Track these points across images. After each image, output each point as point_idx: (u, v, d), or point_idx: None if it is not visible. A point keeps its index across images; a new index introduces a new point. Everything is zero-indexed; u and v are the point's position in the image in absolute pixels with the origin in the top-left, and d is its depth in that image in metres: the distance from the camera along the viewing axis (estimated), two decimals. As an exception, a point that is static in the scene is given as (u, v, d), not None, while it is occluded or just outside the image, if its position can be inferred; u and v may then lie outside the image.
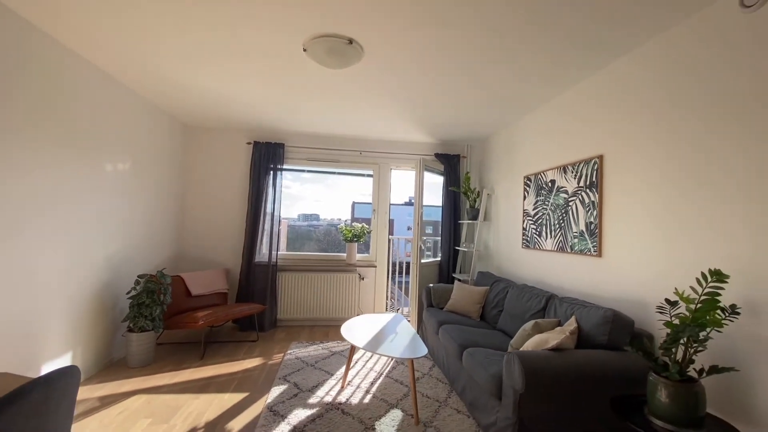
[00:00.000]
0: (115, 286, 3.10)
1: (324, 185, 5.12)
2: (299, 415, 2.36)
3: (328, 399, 2.58)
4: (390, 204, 4.81)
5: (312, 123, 4.06)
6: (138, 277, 3.16)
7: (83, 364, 2.75)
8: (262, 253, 4.28)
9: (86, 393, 2.56)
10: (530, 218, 3.35)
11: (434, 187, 4.74)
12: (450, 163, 4.56)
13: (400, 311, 5.05)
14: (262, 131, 4.43)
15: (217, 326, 4.10)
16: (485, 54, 2.37)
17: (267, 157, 4.33)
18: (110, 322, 3.07)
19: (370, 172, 4.76)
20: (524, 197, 3.46)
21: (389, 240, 4.81)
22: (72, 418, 1.04)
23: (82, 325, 2.73)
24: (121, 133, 3.11)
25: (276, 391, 2.67)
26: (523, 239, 3.46)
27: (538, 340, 2.10)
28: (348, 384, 2.83)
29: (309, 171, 4.78)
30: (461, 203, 4.64)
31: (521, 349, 2.16)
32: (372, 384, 2.84)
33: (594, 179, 2.54)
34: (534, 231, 3.27)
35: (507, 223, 3.83)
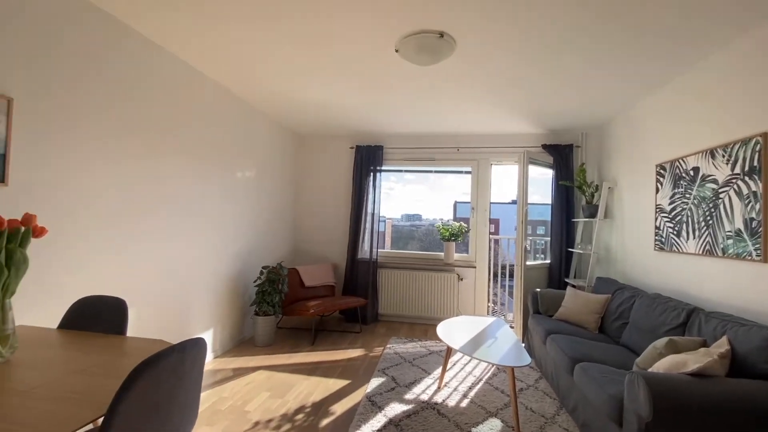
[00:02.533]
0: (244, 275, 3.65)
1: (425, 185, 5.12)
2: (395, 408, 2.40)
3: (424, 397, 2.57)
4: (490, 202, 4.57)
5: (408, 123, 4.12)
6: (262, 268, 3.66)
7: (221, 340, 3.31)
8: (364, 250, 4.52)
9: (223, 364, 3.07)
10: (665, 215, 2.78)
11: (542, 182, 4.34)
12: (561, 155, 4.10)
13: (505, 317, 4.75)
14: (363, 135, 4.67)
15: (325, 315, 4.47)
16: (606, 22, 2.06)
17: (368, 160, 4.55)
18: (241, 306, 3.62)
19: (469, 169, 4.60)
20: (657, 190, 2.89)
21: (491, 240, 4.57)
22: (201, 380, 1.26)
23: (220, 307, 3.28)
24: (247, 146, 3.65)
25: (375, 383, 2.78)
26: (655, 240, 2.89)
27: (672, 362, 1.73)
28: (445, 385, 2.77)
29: (406, 171, 4.86)
30: (575, 199, 4.13)
31: (650, 369, 1.81)
32: (470, 389, 2.73)
33: (755, 164, 1.98)
34: (671, 230, 2.71)
35: (634, 221, 3.26)
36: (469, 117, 3.79)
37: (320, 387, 2.71)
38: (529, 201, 3.85)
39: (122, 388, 0.93)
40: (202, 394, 2.50)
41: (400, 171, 4.88)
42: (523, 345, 2.56)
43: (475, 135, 4.45)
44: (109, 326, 1.62)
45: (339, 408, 2.42)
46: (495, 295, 4.95)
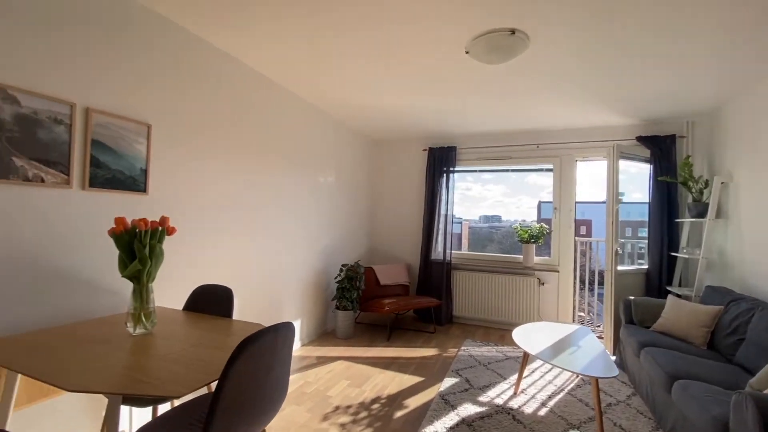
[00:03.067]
0: (326, 271, 3.95)
1: (505, 185, 4.92)
2: (468, 409, 2.41)
3: (499, 401, 2.52)
4: (576, 201, 4.25)
5: (481, 122, 4.05)
6: (342, 265, 3.92)
7: (307, 329, 3.64)
8: (437, 251, 4.54)
9: (308, 352, 3.37)
10: (801, 213, 2.32)
11: (640, 179, 3.90)
12: (660, 147, 3.64)
13: (593, 328, 4.37)
14: (436, 137, 4.71)
15: (400, 314, 4.60)
16: None
17: (440, 161, 4.58)
18: (324, 299, 3.93)
19: (550, 167, 4.34)
20: (788, 183, 2.42)
21: (577, 242, 4.24)
22: (290, 358, 1.44)
23: (306, 300, 3.61)
24: (328, 153, 3.95)
25: (448, 382, 2.80)
26: (787, 243, 2.42)
27: (803, 387, 1.46)
28: (521, 392, 2.68)
29: (480, 171, 4.77)
30: (679, 197, 3.63)
31: (766, 391, 1.55)
32: (549, 398, 2.60)
33: None
34: (808, 231, 2.25)
35: (756, 222, 2.76)
36: (549, 111, 3.59)
37: (395, 381, 2.82)
38: (627, 200, 3.50)
39: (230, 359, 1.14)
40: (291, 377, 2.80)
41: (474, 171, 4.80)
42: (614, 358, 2.36)
43: (556, 130, 4.19)
44: (220, 310, 1.94)
45: (412, 402, 2.50)
46: (589, 305, 4.57)
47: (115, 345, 1.42)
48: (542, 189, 4.40)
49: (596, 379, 2.04)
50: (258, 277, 2.96)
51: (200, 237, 2.42)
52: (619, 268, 3.51)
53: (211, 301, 1.98)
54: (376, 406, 2.44)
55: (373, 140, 5.04)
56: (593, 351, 2.37)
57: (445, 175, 4.55)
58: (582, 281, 4.43)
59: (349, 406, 2.42)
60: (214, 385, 1.32)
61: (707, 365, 2.16)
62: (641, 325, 3.01)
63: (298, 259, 3.47)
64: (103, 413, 1.80)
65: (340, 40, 2.35)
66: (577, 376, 2.94)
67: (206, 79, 2.44)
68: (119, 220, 1.52)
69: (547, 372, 3.05)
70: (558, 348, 2.42)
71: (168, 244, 2.13)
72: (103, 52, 1.86)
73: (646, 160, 3.74)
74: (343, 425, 2.21)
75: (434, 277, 4.51)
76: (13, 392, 1.40)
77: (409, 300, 4.02)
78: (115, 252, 1.61)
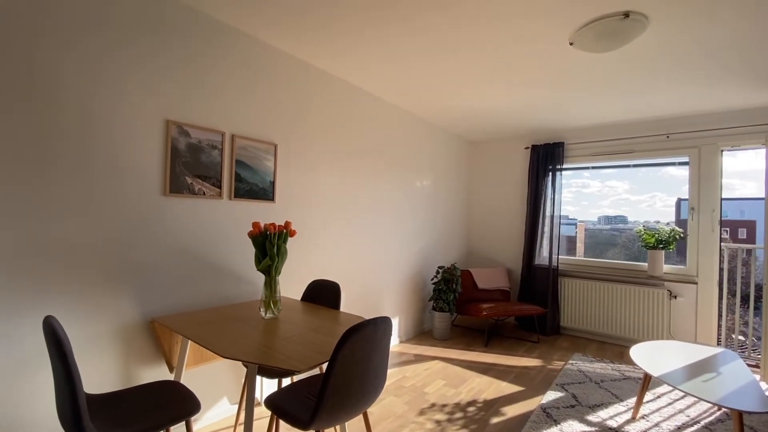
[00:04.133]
0: (423, 272, 4.08)
1: (632, 180, 4.36)
2: (574, 426, 2.24)
3: (612, 424, 2.28)
4: (722, 198, 3.53)
5: (593, 115, 3.67)
6: (438, 267, 4.00)
7: (405, 327, 3.81)
8: (542, 256, 4.26)
9: (406, 349, 3.54)
10: None
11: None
12: None
13: (748, 353, 3.56)
14: (539, 134, 4.43)
15: (500, 320, 4.45)
16: None
17: (545, 159, 4.29)
18: (421, 300, 4.06)
19: (685, 159, 3.69)
20: None
21: (723, 249, 3.52)
22: (388, 350, 1.59)
23: (404, 299, 3.79)
24: (425, 157, 4.07)
25: (551, 395, 2.64)
26: None
27: None
28: (641, 417, 2.37)
29: (594, 167, 4.31)
30: None
31: None
32: (678, 429, 2.25)
33: None
34: None
35: None
36: (679, 94, 3.07)
37: (492, 387, 2.78)
38: None
39: (338, 345, 1.33)
40: (389, 371, 2.99)
41: (587, 168, 4.36)
42: (757, 379, 1.93)
43: (691, 115, 3.55)
44: (329, 302, 2.22)
45: (510, 411, 2.44)
46: (745, 324, 3.75)
47: (252, 325, 1.77)
48: (684, 183, 3.72)
49: (739, 413, 1.70)
50: (361, 275, 3.24)
51: (315, 237, 2.79)
52: (788, 282, 2.81)
53: (323, 294, 2.28)
54: (471, 408, 2.45)
55: (470, 141, 4.99)
56: (739, 379, 1.97)
57: (551, 173, 4.25)
58: (740, 296, 3.64)
59: (444, 405, 2.49)
60: (325, 366, 1.54)
61: None
62: (821, 357, 2.37)
63: (395, 259, 3.67)
64: (243, 380, 2.24)
65: (440, 50, 2.45)
66: (720, 409, 2.46)
67: (319, 101, 2.80)
68: (255, 225, 1.88)
69: (677, 399, 2.63)
70: (690, 372, 2.08)
71: (290, 243, 2.52)
72: (241, 87, 2.31)
73: (830, 146, 2.91)
74: (438, 422, 2.28)
75: (538, 284, 4.24)
76: (185, 354, 1.86)
77: (509, 306, 3.87)
78: (252, 249, 2.01)
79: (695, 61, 2.46)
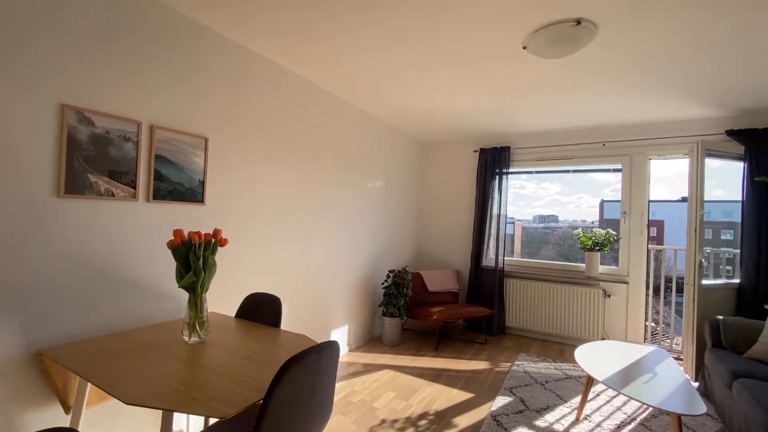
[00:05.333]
0: (373, 277, 3.93)
1: (563, 183, 4.57)
2: (524, 434, 2.23)
3: (559, 428, 2.31)
4: (649, 202, 3.81)
5: (539, 121, 3.77)
6: (389, 271, 3.87)
7: (354, 335, 3.63)
8: (489, 258, 4.33)
9: (355, 358, 3.37)
10: None
11: (718, 174, 3.40)
12: (757, 142, 3.13)
13: (671, 346, 3.89)
14: (488, 137, 4.48)
15: (449, 322, 4.45)
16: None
17: (493, 162, 4.35)
18: (371, 306, 3.91)
19: (618, 166, 3.93)
20: None
21: (650, 250, 3.80)
22: (335, 376, 1.41)
23: (353, 306, 3.61)
24: (377, 158, 3.92)
25: (501, 401, 2.63)
26: None
27: None
28: (585, 418, 2.43)
29: (537, 172, 4.46)
30: (783, 200, 3.09)
31: None
32: (618, 428, 2.33)
33: None
34: None
35: None
36: (617, 105, 3.24)
37: (443, 396, 2.71)
38: (708, 198, 3.05)
39: (274, 380, 1.12)
40: (338, 385, 2.80)
41: (530, 173, 4.51)
42: (696, 385, 2.05)
43: (626, 126, 3.78)
44: (268, 318, 1.97)
45: (462, 421, 2.37)
46: (656, 313, 4.10)
47: (172, 354, 1.49)
48: (605, 186, 4.01)
49: (678, 417, 1.77)
50: (306, 285, 3.00)
51: (253, 244, 2.50)
52: (704, 282, 3.07)
53: (261, 309, 2.02)
54: (423, 422, 2.35)
55: (422, 143, 4.94)
56: (673, 379, 2.07)
57: (498, 176, 4.32)
58: (654, 289, 3.96)
59: (395, 420, 2.36)
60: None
61: (827, 409, 1.78)
62: (733, 351, 2.60)
63: (344, 265, 3.48)
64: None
65: (390, 47, 2.29)
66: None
67: (259, 91, 2.51)
68: (177, 233, 1.59)
69: (614, 396, 2.75)
70: (630, 373, 2.15)
71: (223, 251, 2.21)
72: (164, 71, 1.97)
73: (738, 158, 3.23)
74: (389, 440, 2.15)
75: (486, 285, 4.30)
76: (85, 391, 1.51)
77: (458, 309, 3.87)
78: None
79: (634, 73, 2.57)
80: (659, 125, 3.63)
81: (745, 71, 2.48)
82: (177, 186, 2.05)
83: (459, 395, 2.72)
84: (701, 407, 1.74)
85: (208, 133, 2.19)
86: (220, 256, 2.20)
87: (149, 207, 1.93)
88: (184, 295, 2.04)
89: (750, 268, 3.11)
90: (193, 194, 2.12)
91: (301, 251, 2.93)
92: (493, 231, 4.31)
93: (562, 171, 4.35)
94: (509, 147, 4.32)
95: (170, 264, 1.97)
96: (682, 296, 3.75)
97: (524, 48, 2.23)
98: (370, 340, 3.87)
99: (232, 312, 2.20)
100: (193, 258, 1.56)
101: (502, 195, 4.29)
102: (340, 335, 3.43)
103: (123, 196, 1.82)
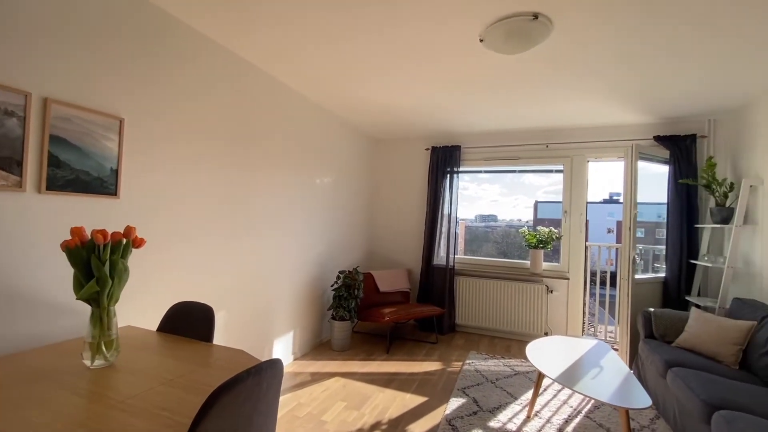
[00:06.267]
0: (322, 279, 3.70)
1: (501, 185, 4.75)
2: (479, 437, 2.17)
3: (512, 427, 2.29)
4: (587, 203, 4.03)
5: (488, 121, 3.82)
6: (339, 272, 3.68)
7: (300, 342, 3.39)
8: (440, 256, 4.31)
9: (302, 367, 3.13)
10: None
11: (652, 180, 3.68)
12: (679, 147, 3.42)
13: (602, 334, 4.15)
14: (440, 136, 4.46)
15: (400, 323, 4.36)
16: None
17: (444, 161, 4.34)
18: (319, 309, 3.68)
19: (560, 167, 4.11)
20: (832, 189, 2.20)
21: (588, 247, 4.02)
22: (278, 401, 1.21)
23: (300, 310, 3.36)
24: (326, 153, 3.70)
25: (454, 403, 2.57)
26: (830, 255, 2.20)
27: None
28: (535, 415, 2.45)
29: (486, 171, 4.54)
30: (700, 200, 3.41)
31: None
32: (566, 422, 2.37)
33: None
34: None
35: (792, 230, 2.54)
36: (562, 108, 3.36)
37: (396, 402, 2.58)
38: (639, 199, 3.27)
39: (200, 414, 0.89)
40: (282, 398, 2.55)
41: (479, 172, 4.58)
42: (632, 372, 2.15)
43: (568, 129, 3.96)
44: (198, 332, 1.69)
45: (417, 428, 2.26)
46: (589, 308, 4.36)
47: (67, 383, 1.17)
48: (539, 188, 4.28)
49: (626, 411, 1.81)
50: (246, 288, 2.71)
51: (181, 245, 2.17)
52: (637, 276, 3.29)
53: (190, 321, 1.73)
54: (376, 433, 2.20)
55: (374, 139, 4.79)
56: (617, 373, 2.14)
57: (448, 176, 4.31)
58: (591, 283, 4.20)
59: (346, 434, 2.18)
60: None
61: (746, 391, 1.93)
62: (663, 340, 2.79)
63: (290, 266, 3.22)
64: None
65: (344, 36, 2.10)
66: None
67: (193, 70, 2.18)
68: (75, 231, 1.27)
69: (560, 390, 2.82)
70: (579, 369, 2.19)
71: (143, 253, 1.88)
72: (62, 32, 1.60)
73: (664, 162, 3.52)
74: (340, 458, 1.97)
75: (436, 284, 4.28)
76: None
77: (410, 309, 3.78)
78: (72, 268, 1.36)
79: (579, 78, 2.64)
80: (597, 129, 3.84)
81: (670, 82, 2.67)
82: (81, 174, 1.68)
83: (413, 400, 2.62)
84: (646, 400, 1.79)
85: (123, 113, 1.84)
86: (139, 259, 1.86)
87: (42, 199, 1.55)
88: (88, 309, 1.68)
89: (674, 263, 3.39)
90: (103, 185, 1.76)
91: (239, 252, 2.63)
92: (444, 229, 4.30)
93: (509, 171, 4.47)
94: (460, 146, 4.33)
95: (70, 270, 1.61)
96: (605, 289, 4.05)
97: (481, 41, 2.17)
98: (318, 346, 3.64)
99: (153, 325, 1.87)
100: (96, 263, 1.25)
101: (453, 194, 4.29)
102: (285, 344, 3.16)
103: (4, 186, 1.44)
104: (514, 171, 4.44)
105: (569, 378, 2.04)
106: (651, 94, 2.94)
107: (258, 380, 1.05)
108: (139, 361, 1.38)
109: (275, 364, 1.12)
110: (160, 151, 2.03)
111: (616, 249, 4.26)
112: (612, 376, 2.10)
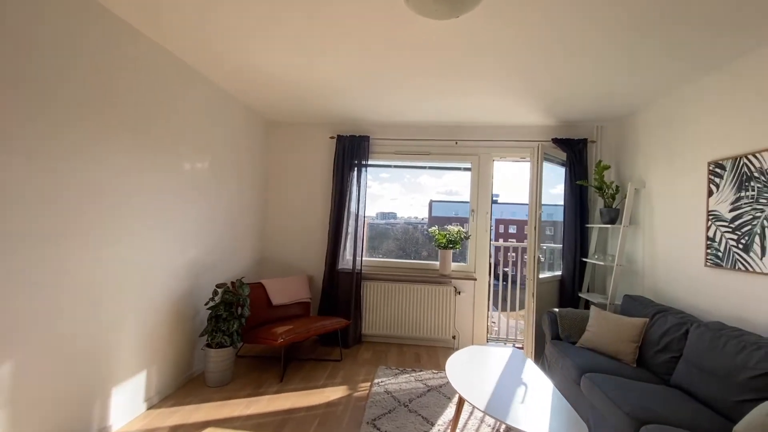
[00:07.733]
0: (194, 295, 2.86)
1: (400, 184, 4.66)
2: (396, 491, 1.74)
3: (432, 467, 1.92)
4: (492, 203, 4.00)
5: (400, 111, 3.47)
6: (216, 286, 2.88)
7: (159, 383, 2.51)
8: (346, 259, 3.83)
9: (158, 419, 2.28)
10: (724, 224, 2.27)
11: (549, 180, 3.80)
12: (573, 151, 3.57)
13: (503, 331, 4.18)
14: (346, 124, 3.96)
15: (297, 342, 3.73)
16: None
17: (351, 152, 3.85)
18: (190, 334, 2.83)
19: (468, 165, 4.00)
20: (710, 193, 2.38)
21: (492, 247, 3.99)
22: None
23: (156, 340, 2.48)
24: (204, 131, 2.85)
25: (364, 444, 2.10)
26: (708, 255, 2.38)
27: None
28: (456, 443, 2.14)
29: (397, 166, 4.22)
30: (588, 201, 3.61)
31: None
32: (488, 448, 2.11)
33: None
34: (733, 244, 2.19)
35: (672, 230, 2.75)
36: (472, 103, 3.18)
37: (291, 454, 2.00)
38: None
39: None
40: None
41: (389, 166, 4.22)
42: (554, 387, 2.00)
43: (477, 126, 3.85)
44: None
45: (317, 494, 1.72)
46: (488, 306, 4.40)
47: None
48: (432, 189, 4.55)
49: (564, 443, 1.57)
50: (58, 317, 1.78)
51: None
52: (541, 276, 3.30)
53: None
54: None
55: (268, 121, 4.03)
56: (543, 391, 1.94)
57: (356, 168, 3.84)
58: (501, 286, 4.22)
59: None
60: None
61: (664, 399, 1.90)
62: (568, 341, 2.78)
63: (142, 281, 2.33)
64: None
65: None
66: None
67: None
68: None
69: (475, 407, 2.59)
70: (505, 392, 1.93)
71: None
72: None
73: (562, 163, 3.64)
74: None
75: (342, 290, 3.78)
76: None
77: (310, 324, 3.19)
78: None
79: (500, 61, 2.42)
80: (503, 128, 3.81)
81: (568, 86, 2.68)
82: None
83: (312, 449, 2.06)
84: (584, 428, 1.57)
85: None
86: None
87: None
88: None
89: (569, 263, 3.52)
90: None
91: (52, 261, 1.71)
92: (351, 229, 3.83)
93: (419, 167, 4.21)
94: (368, 137, 3.90)
95: None
96: (498, 285, 4.13)
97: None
98: (187, 383, 2.79)
99: None
100: None
101: (361, 190, 3.84)
102: (133, 389, 2.27)
103: None
104: (424, 167, 4.20)
105: (499, 406, 1.75)
106: (555, 95, 2.92)
107: None
108: None
109: None
110: None
111: (521, 248, 4.37)
112: (539, 396, 1.88)
